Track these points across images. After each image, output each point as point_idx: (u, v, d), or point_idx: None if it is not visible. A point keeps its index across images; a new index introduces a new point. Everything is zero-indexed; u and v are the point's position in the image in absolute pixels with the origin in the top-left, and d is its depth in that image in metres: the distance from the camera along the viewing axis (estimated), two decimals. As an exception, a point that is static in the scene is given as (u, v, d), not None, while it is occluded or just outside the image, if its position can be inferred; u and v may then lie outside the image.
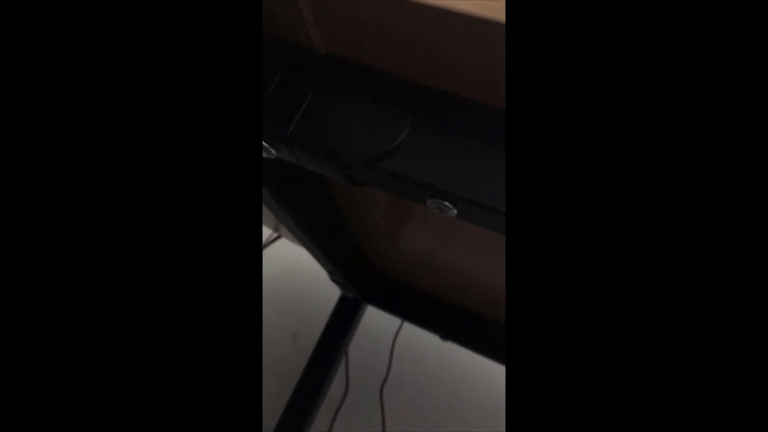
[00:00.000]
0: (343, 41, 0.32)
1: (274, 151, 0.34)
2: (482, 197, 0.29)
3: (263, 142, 0.33)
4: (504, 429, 1.02)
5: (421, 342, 1.15)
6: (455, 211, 0.30)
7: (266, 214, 0.61)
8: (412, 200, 0.32)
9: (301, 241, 0.65)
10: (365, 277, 0.94)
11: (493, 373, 1.12)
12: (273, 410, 1.00)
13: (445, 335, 0.93)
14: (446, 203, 0.30)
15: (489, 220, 0.30)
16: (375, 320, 1.14)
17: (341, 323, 1.05)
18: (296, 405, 0.98)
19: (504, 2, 0.24)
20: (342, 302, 1.07)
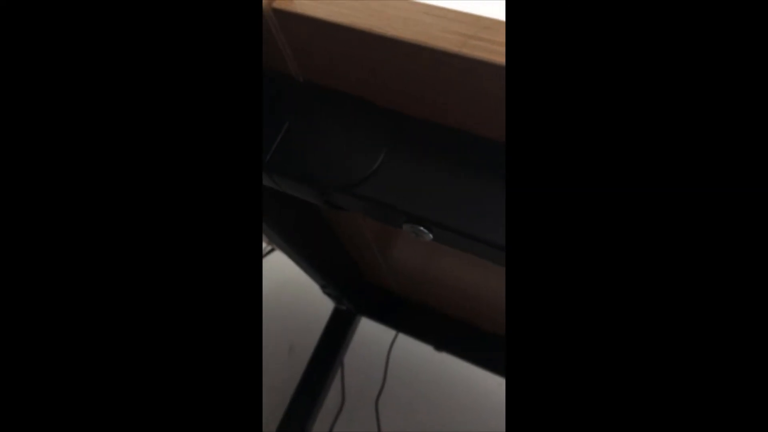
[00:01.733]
0: (319, 70, 0.32)
1: (254, 177, 0.35)
2: (456, 223, 0.29)
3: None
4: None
5: (416, 352, 1.15)
6: (431, 236, 0.31)
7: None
8: (388, 224, 0.33)
9: (291, 257, 0.65)
10: (357, 289, 0.94)
11: (490, 383, 1.12)
12: (269, 422, 1.00)
13: (439, 346, 0.94)
14: (421, 228, 0.30)
15: (465, 245, 0.31)
16: (370, 331, 1.14)
17: (336, 334, 1.05)
18: (292, 417, 0.98)
19: (473, 33, 0.25)
20: (336, 313, 1.07)
